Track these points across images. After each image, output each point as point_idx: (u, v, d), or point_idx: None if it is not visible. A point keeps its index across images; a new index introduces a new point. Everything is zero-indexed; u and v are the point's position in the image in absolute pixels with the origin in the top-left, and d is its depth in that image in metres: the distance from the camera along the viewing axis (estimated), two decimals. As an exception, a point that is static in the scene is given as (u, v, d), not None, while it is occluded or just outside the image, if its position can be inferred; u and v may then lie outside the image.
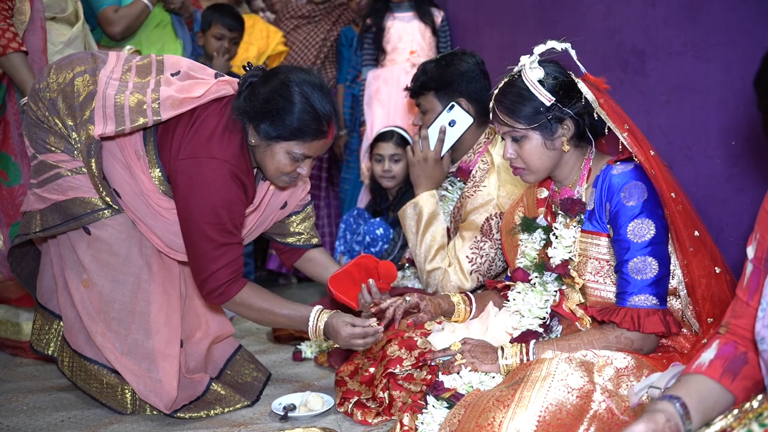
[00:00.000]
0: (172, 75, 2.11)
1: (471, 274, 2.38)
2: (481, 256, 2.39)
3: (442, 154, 2.52)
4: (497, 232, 2.38)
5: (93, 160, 2.03)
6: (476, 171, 2.49)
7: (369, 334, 2.02)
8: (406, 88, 2.67)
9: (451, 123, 2.48)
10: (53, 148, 2.10)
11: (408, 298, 2.13)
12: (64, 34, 2.80)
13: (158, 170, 2.06)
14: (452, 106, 2.47)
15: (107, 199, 2.08)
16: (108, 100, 2.01)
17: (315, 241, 2.41)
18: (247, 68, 2.10)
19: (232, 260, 2.03)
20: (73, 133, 2.07)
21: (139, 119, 2.00)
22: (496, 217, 2.38)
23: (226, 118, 2.04)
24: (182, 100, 2.03)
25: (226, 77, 2.14)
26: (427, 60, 2.66)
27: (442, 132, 2.49)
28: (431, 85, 2.52)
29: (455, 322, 2.15)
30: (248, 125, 2.03)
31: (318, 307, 2.11)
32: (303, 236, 2.38)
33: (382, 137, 3.29)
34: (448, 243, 2.50)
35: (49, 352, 2.26)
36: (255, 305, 2.08)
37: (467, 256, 2.39)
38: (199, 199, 1.98)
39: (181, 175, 2.00)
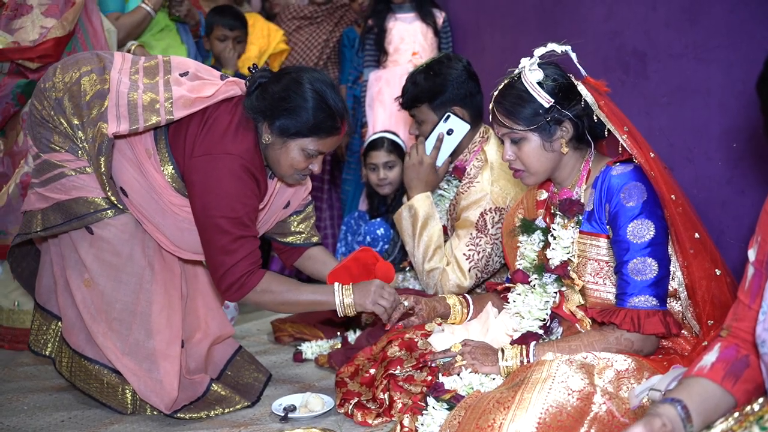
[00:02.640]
0: (181, 75, 2.12)
1: (470, 271, 2.39)
2: (478, 252, 2.40)
3: (440, 162, 2.55)
4: (492, 227, 2.40)
5: (103, 158, 2.02)
6: (471, 168, 2.53)
7: (399, 299, 2.11)
8: (399, 101, 2.67)
9: (449, 132, 2.52)
10: (57, 148, 2.10)
11: (405, 302, 2.13)
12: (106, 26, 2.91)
13: (171, 167, 2.07)
14: (448, 117, 2.50)
15: (112, 198, 2.07)
16: (121, 98, 2.02)
17: (315, 239, 2.41)
18: (253, 70, 2.13)
19: (249, 252, 2.03)
20: (79, 132, 2.07)
21: (152, 118, 2.01)
22: (491, 212, 2.39)
23: (238, 116, 2.06)
24: (194, 100, 2.04)
25: (233, 78, 2.15)
26: (415, 69, 2.66)
27: (440, 140, 2.53)
28: (423, 97, 2.55)
29: (452, 324, 2.15)
30: (261, 123, 2.05)
31: (336, 283, 2.13)
32: (303, 235, 2.39)
33: (372, 146, 3.23)
34: (445, 243, 2.51)
35: (47, 353, 2.25)
36: (277, 290, 2.06)
37: (464, 254, 2.40)
38: (215, 194, 1.99)
39: (196, 172, 2.01)
